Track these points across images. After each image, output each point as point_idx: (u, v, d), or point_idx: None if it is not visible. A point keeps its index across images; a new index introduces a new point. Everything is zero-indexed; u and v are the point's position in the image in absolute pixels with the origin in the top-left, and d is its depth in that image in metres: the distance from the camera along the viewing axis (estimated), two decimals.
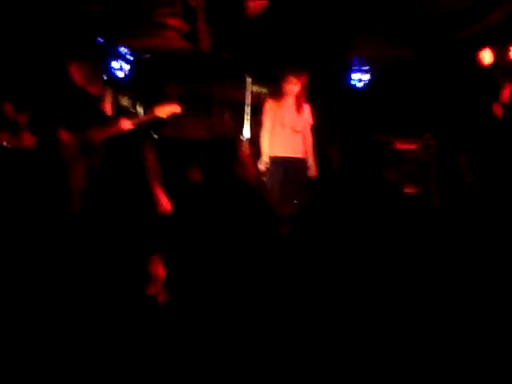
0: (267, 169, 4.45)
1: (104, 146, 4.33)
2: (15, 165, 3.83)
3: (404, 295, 2.56)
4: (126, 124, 4.23)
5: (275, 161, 4.54)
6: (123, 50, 6.00)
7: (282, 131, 4.56)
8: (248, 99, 4.57)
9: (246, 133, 4.60)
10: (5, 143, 4.49)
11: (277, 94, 4.64)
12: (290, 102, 4.58)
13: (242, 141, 4.44)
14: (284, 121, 4.56)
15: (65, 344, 2.39)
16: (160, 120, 4.74)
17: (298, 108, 4.61)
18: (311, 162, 4.57)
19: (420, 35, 5.89)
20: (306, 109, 4.69)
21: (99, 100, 4.34)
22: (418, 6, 5.14)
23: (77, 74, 4.30)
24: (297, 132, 4.59)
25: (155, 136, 5.75)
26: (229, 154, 2.62)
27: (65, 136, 4.22)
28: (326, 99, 5.74)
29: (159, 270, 2.55)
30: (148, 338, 2.35)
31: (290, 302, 2.61)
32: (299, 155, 4.59)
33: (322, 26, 5.55)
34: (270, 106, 4.65)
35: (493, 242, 2.50)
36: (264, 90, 6.87)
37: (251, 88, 4.92)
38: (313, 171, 4.50)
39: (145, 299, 2.46)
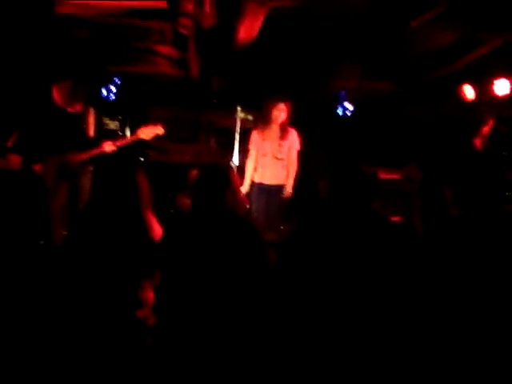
0: (248, 195, 4.57)
1: (87, 168, 4.37)
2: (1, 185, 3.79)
3: (390, 320, 2.60)
4: (109, 146, 4.27)
5: (259, 187, 4.68)
6: (112, 74, 6.04)
7: (264, 159, 4.68)
8: (238, 126, 4.62)
9: (235, 160, 4.65)
10: None
11: (263, 121, 4.73)
12: (274, 129, 4.66)
13: (232, 167, 4.49)
14: (266, 149, 4.66)
15: (58, 363, 2.36)
16: (144, 142, 4.79)
17: (283, 135, 4.69)
18: (288, 183, 4.68)
19: (402, 70, 6.05)
20: (293, 134, 4.76)
21: (80, 120, 4.37)
22: (400, 42, 5.29)
23: (57, 94, 4.34)
24: (278, 159, 4.69)
25: (141, 159, 5.80)
26: (220, 181, 2.62)
27: (45, 159, 4.23)
28: (313, 128, 5.84)
29: (149, 295, 2.54)
30: (137, 358, 2.36)
31: (280, 325, 2.65)
32: (281, 182, 4.70)
33: (308, 57, 5.66)
34: (254, 134, 4.75)
35: (477, 271, 2.55)
36: (250, 117, 6.98)
37: (239, 115, 4.97)
38: (287, 192, 4.66)
39: (135, 322, 2.45)
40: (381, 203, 5.25)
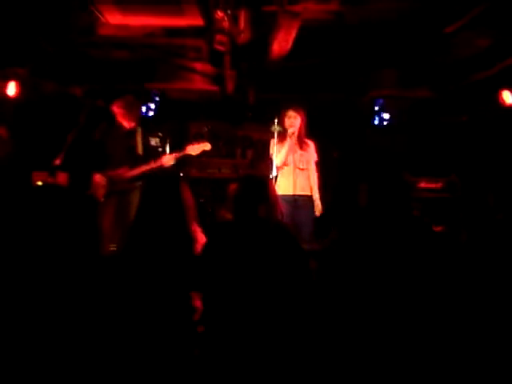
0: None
1: (137, 184, 4.48)
2: (47, 201, 3.90)
3: (435, 329, 2.55)
4: (169, 159, 4.40)
5: (283, 199, 4.40)
6: (151, 91, 6.19)
7: (287, 169, 4.59)
8: (274, 139, 4.64)
9: (274, 171, 4.65)
10: (39, 183, 4.63)
11: (282, 131, 4.65)
12: (292, 139, 4.57)
13: (271, 180, 4.51)
14: (288, 160, 4.58)
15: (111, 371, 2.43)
16: (189, 158, 4.89)
17: (302, 145, 4.63)
18: (316, 198, 4.60)
19: (439, 76, 5.99)
20: (311, 146, 4.71)
21: (131, 137, 4.51)
22: (436, 48, 5.24)
23: (117, 109, 4.49)
24: (301, 169, 4.61)
25: (181, 175, 5.90)
26: (259, 194, 2.65)
27: (98, 177, 4.37)
28: (349, 138, 5.83)
29: (197, 304, 2.58)
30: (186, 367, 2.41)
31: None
32: (306, 192, 4.60)
33: (344, 66, 5.65)
34: (271, 147, 4.67)
35: None
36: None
37: (276, 128, 4.99)
38: (318, 208, 4.57)
39: (191, 329, 2.50)
40: (422, 212, 5.17)
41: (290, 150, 4.56)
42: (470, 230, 2.51)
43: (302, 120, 4.63)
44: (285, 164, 4.59)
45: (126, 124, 4.50)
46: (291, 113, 4.58)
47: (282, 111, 4.63)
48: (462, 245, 2.56)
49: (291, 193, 4.54)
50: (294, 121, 4.58)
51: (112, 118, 4.52)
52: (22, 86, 5.47)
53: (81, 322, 2.36)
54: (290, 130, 4.54)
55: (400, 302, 2.47)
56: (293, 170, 4.57)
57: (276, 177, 4.88)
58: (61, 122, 5.64)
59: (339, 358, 2.55)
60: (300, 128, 4.61)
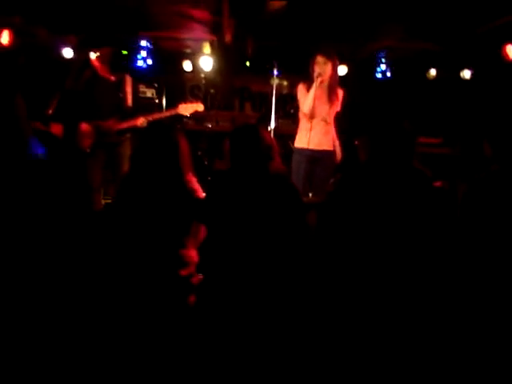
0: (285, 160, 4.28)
1: (125, 137, 4.41)
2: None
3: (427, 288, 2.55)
4: (142, 122, 4.29)
5: (302, 153, 4.25)
6: (146, 41, 6.01)
7: (312, 122, 4.20)
8: (273, 91, 4.49)
9: (272, 124, 4.54)
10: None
11: (309, 79, 4.20)
12: (322, 88, 4.16)
13: (265, 129, 4.39)
14: (315, 111, 4.18)
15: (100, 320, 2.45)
16: (182, 116, 4.80)
17: (331, 96, 4.21)
18: (338, 149, 4.32)
19: (442, 28, 5.81)
20: (340, 94, 4.28)
21: (118, 89, 4.39)
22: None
23: (97, 62, 4.36)
24: (327, 123, 4.25)
25: (178, 126, 5.81)
26: (253, 144, 2.58)
27: (84, 127, 4.28)
28: (353, 90, 5.68)
29: (192, 254, 2.58)
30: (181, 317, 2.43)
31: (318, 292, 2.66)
32: (328, 148, 4.27)
33: (347, 15, 5.42)
34: (300, 92, 4.26)
35: None
36: (285, 82, 6.88)
37: (275, 80, 4.85)
38: (338, 156, 4.29)
39: (179, 281, 2.49)
40: (421, 168, 5.13)
41: (319, 100, 4.14)
42: (469, 184, 2.45)
43: (333, 67, 4.18)
44: (311, 116, 4.17)
45: (109, 77, 4.37)
46: (319, 58, 4.12)
47: (312, 57, 4.17)
48: (458, 200, 2.51)
49: (313, 147, 4.18)
50: (323, 67, 4.11)
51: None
52: (15, 35, 5.31)
53: (74, 276, 2.36)
54: (317, 78, 4.07)
55: (396, 258, 2.45)
56: (319, 123, 4.19)
57: (276, 128, 4.75)
58: (53, 73, 5.52)
59: (334, 311, 2.58)
60: (330, 76, 4.16)
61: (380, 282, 2.43)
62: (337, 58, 4.22)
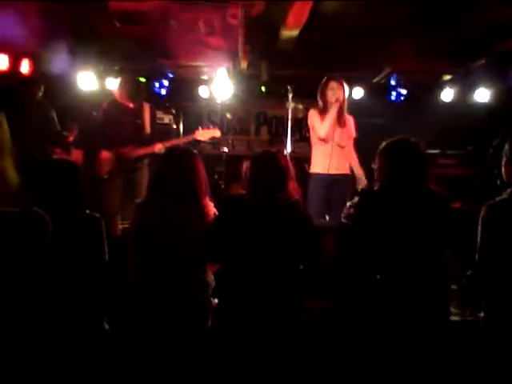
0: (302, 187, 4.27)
1: (143, 163, 4.45)
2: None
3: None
4: (159, 147, 4.34)
5: (318, 178, 4.30)
6: (164, 68, 6.12)
7: (327, 146, 4.29)
8: (289, 114, 4.52)
9: (288, 148, 4.55)
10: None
11: (319, 106, 4.37)
12: (336, 110, 4.26)
13: (285, 156, 4.43)
14: (327, 136, 4.26)
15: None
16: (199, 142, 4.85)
17: (341, 120, 4.32)
18: (361, 174, 4.36)
19: (457, 49, 5.82)
20: (350, 121, 4.45)
21: (137, 116, 4.46)
22: (454, 19, 5.06)
23: (119, 89, 4.45)
24: (341, 147, 4.33)
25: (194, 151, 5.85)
26: (274, 171, 2.61)
27: (104, 154, 4.34)
28: (366, 113, 5.70)
29: (210, 279, 2.59)
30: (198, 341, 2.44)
31: None
32: (344, 171, 4.34)
33: (360, 38, 5.47)
34: (315, 115, 4.34)
35: None
36: (300, 106, 6.92)
37: (290, 103, 4.88)
38: (364, 183, 4.30)
39: (196, 306, 2.53)
40: (437, 189, 5.07)
41: (333, 124, 4.25)
42: (488, 206, 2.41)
43: (344, 92, 4.33)
44: (324, 141, 4.27)
45: (128, 103, 4.44)
46: (334, 84, 4.28)
47: (323, 82, 4.33)
48: (477, 221, 2.47)
49: (328, 172, 4.24)
50: (338, 92, 4.26)
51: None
52: (35, 64, 5.45)
53: (94, 296, 2.37)
54: (336, 103, 4.21)
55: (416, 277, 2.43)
56: (331, 148, 4.26)
57: (291, 152, 4.75)
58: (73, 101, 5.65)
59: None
60: (342, 101, 4.30)
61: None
62: (345, 87, 4.35)
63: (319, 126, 4.27)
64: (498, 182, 3.21)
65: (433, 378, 2.43)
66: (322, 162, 4.30)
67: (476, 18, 4.90)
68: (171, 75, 6.05)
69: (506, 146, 2.42)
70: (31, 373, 2.04)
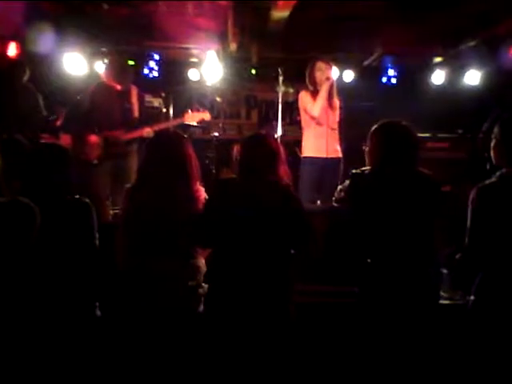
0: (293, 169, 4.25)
1: (131, 148, 4.40)
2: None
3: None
4: (148, 131, 4.28)
5: (310, 161, 4.27)
6: (152, 51, 6.05)
7: (320, 129, 4.24)
8: (279, 97, 4.48)
9: (279, 131, 4.52)
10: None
11: (309, 88, 4.32)
12: (328, 88, 4.20)
13: (275, 139, 4.40)
14: (321, 118, 4.22)
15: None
16: (189, 125, 4.80)
17: (331, 103, 4.27)
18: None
19: (450, 31, 5.79)
20: (337, 103, 4.38)
21: (125, 99, 4.39)
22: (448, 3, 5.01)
23: (107, 71, 4.37)
24: (333, 130, 4.28)
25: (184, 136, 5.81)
26: (264, 154, 2.59)
27: (92, 138, 4.28)
28: (359, 96, 5.68)
29: (201, 264, 2.58)
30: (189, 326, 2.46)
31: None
32: (337, 155, 4.31)
33: (351, 19, 5.41)
34: (305, 99, 4.30)
35: None
36: (291, 90, 6.88)
37: (281, 87, 4.84)
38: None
39: (187, 291, 2.53)
40: (427, 173, 5.09)
41: (323, 107, 4.20)
42: (478, 188, 2.42)
43: (332, 73, 4.30)
44: (319, 123, 4.22)
45: (115, 85, 4.37)
46: (321, 64, 4.24)
47: (310, 66, 4.29)
48: (466, 203, 2.48)
49: (324, 155, 4.20)
50: (326, 72, 4.22)
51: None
52: (22, 47, 5.35)
53: (84, 285, 2.36)
54: (326, 81, 4.16)
55: (403, 264, 2.45)
56: (325, 131, 4.20)
57: (282, 136, 4.72)
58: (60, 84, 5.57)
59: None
60: (332, 83, 4.25)
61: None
62: (332, 68, 4.31)
63: (311, 106, 4.23)
64: (488, 166, 3.24)
65: (424, 361, 2.46)
66: (316, 145, 4.25)
67: (467, 4, 4.86)
68: (160, 57, 5.97)
69: (496, 129, 2.43)
70: (24, 359, 2.04)
